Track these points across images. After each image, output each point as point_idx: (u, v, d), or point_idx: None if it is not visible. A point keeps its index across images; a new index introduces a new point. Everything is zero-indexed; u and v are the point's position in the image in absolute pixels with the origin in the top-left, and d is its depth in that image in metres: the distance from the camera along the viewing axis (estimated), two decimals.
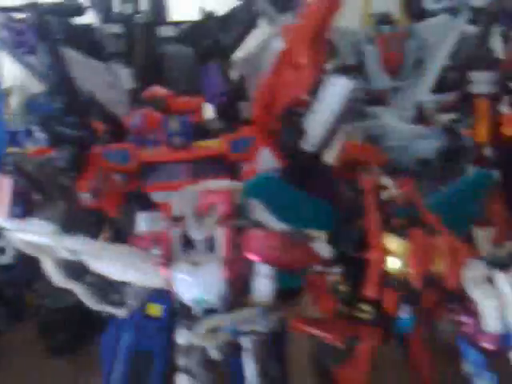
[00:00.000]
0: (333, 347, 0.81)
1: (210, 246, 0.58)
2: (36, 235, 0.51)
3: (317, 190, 0.69)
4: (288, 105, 0.67)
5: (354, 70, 1.04)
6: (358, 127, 0.86)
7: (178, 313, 0.65)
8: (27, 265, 0.85)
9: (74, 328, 0.98)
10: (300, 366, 0.87)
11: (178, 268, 0.57)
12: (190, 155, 0.73)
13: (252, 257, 0.56)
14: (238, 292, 0.58)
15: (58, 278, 0.57)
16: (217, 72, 0.98)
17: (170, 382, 0.75)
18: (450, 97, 0.93)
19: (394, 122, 0.89)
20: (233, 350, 0.60)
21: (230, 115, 0.88)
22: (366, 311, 0.68)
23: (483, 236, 0.89)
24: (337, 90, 0.65)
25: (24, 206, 0.61)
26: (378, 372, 0.77)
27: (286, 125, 0.67)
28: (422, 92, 0.94)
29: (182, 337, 0.61)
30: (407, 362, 0.73)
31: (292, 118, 0.67)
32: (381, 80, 1.04)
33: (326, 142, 0.68)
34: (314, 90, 0.66)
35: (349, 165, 0.74)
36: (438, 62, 0.99)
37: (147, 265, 0.53)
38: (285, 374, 0.76)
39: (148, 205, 0.72)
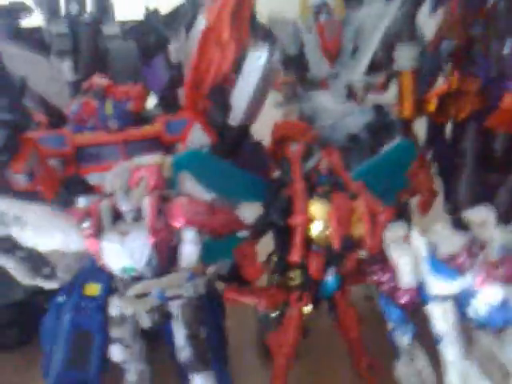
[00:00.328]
0: (269, 318, 0.86)
1: (138, 216, 0.61)
2: None
3: (246, 165, 0.73)
4: (215, 82, 0.70)
5: (296, 59, 1.08)
6: (292, 109, 0.90)
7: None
8: None
9: (21, 324, 0.99)
10: (240, 340, 0.91)
11: (107, 238, 0.60)
12: (125, 137, 0.75)
13: (176, 222, 0.59)
14: (164, 260, 0.61)
15: None
16: (161, 65, 1.01)
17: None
18: (379, 77, 0.97)
19: (326, 102, 0.93)
20: (163, 318, 0.63)
21: (170, 102, 0.91)
22: (294, 278, 0.72)
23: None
24: (255, 62, 0.68)
25: None
26: (311, 339, 0.81)
27: (214, 102, 0.70)
28: (355, 74, 0.98)
29: (113, 308, 0.64)
30: (337, 325, 0.76)
31: (219, 95, 0.70)
32: (320, 67, 1.07)
33: (250, 115, 0.71)
34: (238, 66, 0.69)
35: (280, 142, 0.77)
36: (371, 45, 1.04)
37: (72, 226, 0.55)
38: (224, 343, 0.80)
39: (86, 189, 0.74)
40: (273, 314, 0.78)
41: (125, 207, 0.61)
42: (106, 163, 0.70)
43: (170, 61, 1.03)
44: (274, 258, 0.75)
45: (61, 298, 0.75)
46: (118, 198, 0.61)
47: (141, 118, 0.83)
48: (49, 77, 0.86)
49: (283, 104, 1.00)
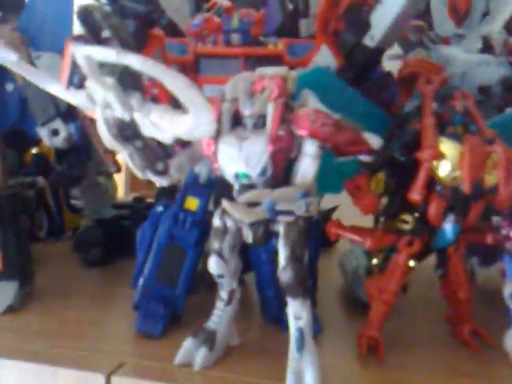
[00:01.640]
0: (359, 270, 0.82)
1: (259, 124, 0.58)
2: (99, 52, 0.51)
3: (371, 95, 0.68)
4: (353, 1, 0.66)
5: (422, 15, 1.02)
6: (420, 53, 0.85)
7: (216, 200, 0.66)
8: (80, 153, 0.88)
9: (105, 244, 1.02)
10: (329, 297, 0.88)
11: (225, 141, 0.58)
12: (246, 52, 0.73)
13: (302, 132, 0.56)
14: (279, 172, 0.58)
15: (107, 136, 0.58)
16: (277, 6, 0.98)
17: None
18: None
19: (457, 52, 0.87)
20: (265, 236, 0.60)
21: (289, 33, 0.88)
22: (407, 221, 0.67)
23: None
24: None
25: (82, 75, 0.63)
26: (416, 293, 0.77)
27: (349, 22, 0.66)
28: (494, 27, 0.91)
29: (217, 218, 0.62)
30: (444, 283, 0.71)
31: (356, 15, 0.66)
32: (445, 27, 1.01)
33: (390, 37, 0.67)
34: None
35: (409, 79, 0.72)
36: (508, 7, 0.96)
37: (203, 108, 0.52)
38: (315, 283, 0.77)
39: None
40: (374, 260, 0.74)
41: (248, 112, 0.58)
42: (225, 75, 0.67)
43: (286, 3, 1.00)
44: (384, 201, 0.70)
45: (160, 208, 0.75)
46: (241, 102, 0.58)
47: (257, 43, 0.81)
48: None
49: (405, 51, 0.95)
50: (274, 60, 0.73)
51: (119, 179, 1.35)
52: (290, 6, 0.99)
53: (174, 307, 0.73)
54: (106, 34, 0.63)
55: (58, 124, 0.78)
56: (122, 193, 1.60)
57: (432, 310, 0.82)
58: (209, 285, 0.81)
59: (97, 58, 0.50)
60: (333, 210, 1.05)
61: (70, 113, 0.78)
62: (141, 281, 0.75)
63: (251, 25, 0.76)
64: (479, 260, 0.91)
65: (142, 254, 0.76)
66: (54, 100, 0.76)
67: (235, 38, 0.75)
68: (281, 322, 0.74)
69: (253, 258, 0.74)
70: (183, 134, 0.53)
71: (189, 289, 0.75)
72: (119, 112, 0.55)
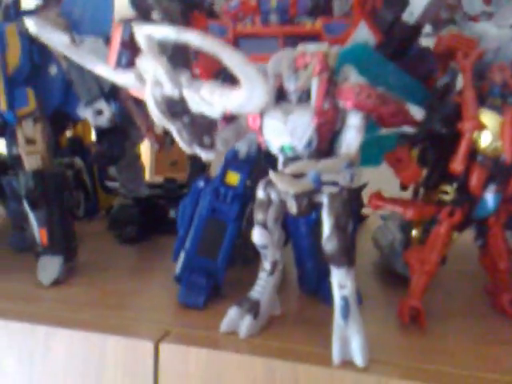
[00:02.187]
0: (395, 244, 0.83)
1: (304, 98, 0.60)
2: (160, 30, 0.52)
3: (411, 70, 0.69)
4: None
5: None
6: (452, 30, 0.85)
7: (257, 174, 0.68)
8: (119, 132, 0.90)
9: (141, 223, 1.05)
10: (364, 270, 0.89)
11: (270, 114, 0.59)
12: (285, 31, 0.74)
13: (348, 104, 0.57)
14: (324, 144, 0.60)
15: (157, 114, 0.60)
16: None
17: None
18: None
19: (489, 28, 0.87)
20: (309, 208, 0.61)
21: (323, 13, 0.88)
22: (447, 192, 0.68)
23: None
24: None
25: (130, 57, 0.65)
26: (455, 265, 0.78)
27: None
28: None
29: (261, 189, 0.63)
30: (484, 253, 0.72)
31: None
32: (473, 5, 1.01)
33: (430, 13, 0.67)
34: None
35: (445, 55, 0.72)
36: None
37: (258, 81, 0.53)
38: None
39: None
40: (414, 232, 0.75)
41: (292, 86, 0.59)
42: (265, 54, 0.68)
43: None
44: (424, 173, 0.71)
45: (201, 183, 0.77)
46: (286, 78, 0.60)
47: (294, 23, 0.81)
48: None
49: (436, 29, 0.95)
50: (312, 38, 0.74)
51: (145, 162, 1.38)
52: None
53: (215, 279, 0.75)
54: (155, 16, 0.64)
55: (101, 104, 0.80)
56: (147, 176, 1.63)
57: (470, 282, 0.84)
58: (245, 260, 0.84)
59: (157, 37, 0.52)
60: (363, 186, 1.07)
61: (112, 93, 0.80)
62: (182, 253, 0.77)
63: (289, 5, 0.77)
64: None
65: (182, 227, 0.78)
66: (98, 81, 0.79)
67: (274, 17, 0.75)
68: (320, 293, 0.76)
69: (292, 230, 0.76)
70: (235, 108, 0.54)
71: (229, 262, 0.77)
72: (169, 89, 0.57)
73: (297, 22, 0.82)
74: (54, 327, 0.67)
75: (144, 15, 0.65)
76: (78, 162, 1.10)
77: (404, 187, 0.74)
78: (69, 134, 1.19)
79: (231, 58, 0.50)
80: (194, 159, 1.16)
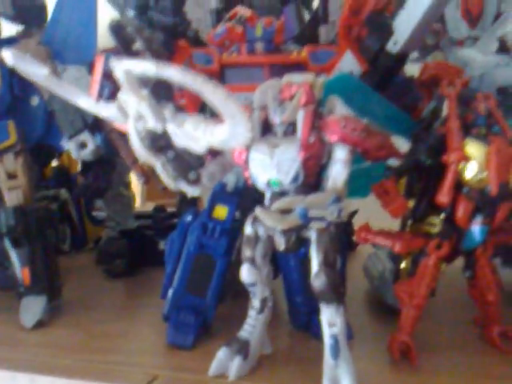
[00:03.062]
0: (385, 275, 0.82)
1: (289, 131, 0.59)
2: (139, 65, 0.52)
3: (395, 99, 0.69)
4: (376, 7, 0.67)
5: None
6: (437, 56, 0.85)
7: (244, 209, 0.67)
8: (105, 164, 0.89)
9: (130, 254, 1.03)
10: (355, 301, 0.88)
11: (257, 148, 0.58)
12: (271, 60, 0.74)
13: (333, 137, 0.56)
14: (310, 178, 0.59)
15: (141, 149, 0.59)
16: (292, 14, 0.99)
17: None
18: None
19: (474, 54, 0.88)
20: (297, 243, 0.60)
21: (309, 40, 0.88)
22: (434, 224, 0.67)
23: None
24: None
25: (113, 88, 0.64)
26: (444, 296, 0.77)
27: (372, 28, 0.67)
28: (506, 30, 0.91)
29: (249, 226, 0.62)
30: (472, 285, 0.71)
31: (379, 21, 0.67)
32: (459, 29, 1.02)
33: (413, 42, 0.67)
34: None
35: (430, 83, 0.72)
36: None
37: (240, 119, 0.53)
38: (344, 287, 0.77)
39: None
40: (403, 264, 0.74)
41: (278, 119, 0.59)
42: (250, 84, 0.68)
43: (301, 11, 1.00)
44: (411, 204, 0.70)
45: (189, 217, 0.75)
46: (271, 110, 0.59)
47: (279, 51, 0.81)
48: (194, 2, 0.86)
49: (422, 55, 0.96)
50: (298, 67, 0.74)
51: (135, 189, 1.37)
52: (306, 14, 1.00)
53: (204, 317, 0.74)
54: (137, 46, 0.64)
55: (85, 136, 0.79)
56: (138, 203, 1.61)
57: (461, 313, 0.82)
58: (235, 294, 0.82)
59: (136, 72, 0.51)
60: (353, 213, 1.06)
61: (96, 125, 0.79)
62: (170, 291, 0.75)
63: (274, 33, 0.77)
64: (502, 261, 0.91)
65: (171, 263, 0.77)
66: (80, 113, 0.77)
67: (259, 46, 0.75)
68: (310, 328, 0.75)
69: (281, 264, 0.75)
70: (219, 144, 0.53)
71: (218, 298, 0.75)
72: (152, 123, 0.56)
73: (284, 49, 0.82)
74: (36, 374, 0.65)
75: (125, 46, 0.64)
76: (64, 193, 1.08)
77: None
78: (54, 163, 1.18)
79: (213, 95, 0.50)
80: None
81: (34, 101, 0.82)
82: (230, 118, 0.50)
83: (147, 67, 0.50)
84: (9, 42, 0.82)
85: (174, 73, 0.49)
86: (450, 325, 0.80)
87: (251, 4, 0.91)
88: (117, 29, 0.63)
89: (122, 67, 0.51)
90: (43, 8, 0.86)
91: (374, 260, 0.91)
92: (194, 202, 1.13)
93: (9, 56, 0.57)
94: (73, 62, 0.79)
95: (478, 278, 0.69)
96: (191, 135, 0.54)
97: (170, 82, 0.51)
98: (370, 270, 0.91)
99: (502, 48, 0.89)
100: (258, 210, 0.58)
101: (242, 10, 0.84)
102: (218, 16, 0.89)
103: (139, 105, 0.55)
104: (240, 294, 0.80)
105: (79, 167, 1.12)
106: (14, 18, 0.84)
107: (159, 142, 0.58)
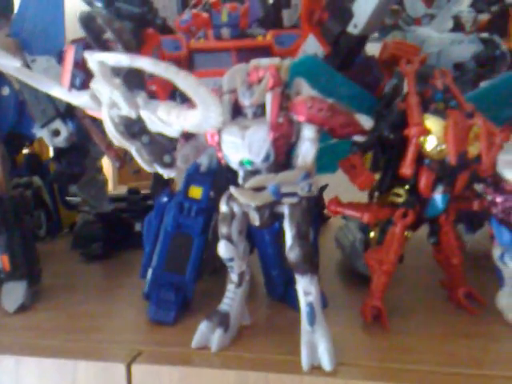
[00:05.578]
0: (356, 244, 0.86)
1: (258, 113, 0.61)
2: (113, 57, 0.53)
3: (357, 79, 0.72)
4: None
5: None
6: (396, 35, 0.89)
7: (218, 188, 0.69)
8: (78, 150, 0.90)
9: (106, 237, 1.05)
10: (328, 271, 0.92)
11: (228, 131, 0.61)
12: (237, 44, 0.76)
13: (300, 118, 0.59)
14: (281, 157, 0.62)
15: (115, 135, 0.61)
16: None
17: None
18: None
19: (430, 32, 0.91)
20: (271, 218, 0.63)
21: (273, 23, 0.90)
22: (399, 195, 0.71)
23: None
24: None
25: (84, 77, 0.66)
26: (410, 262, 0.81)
27: (333, 12, 0.70)
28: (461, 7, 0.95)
29: (224, 204, 0.65)
30: (437, 250, 0.75)
31: (339, 5, 0.70)
32: (416, 8, 1.05)
33: (373, 24, 0.70)
34: None
35: (389, 61, 0.76)
36: None
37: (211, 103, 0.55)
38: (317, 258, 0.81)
39: None
40: (372, 234, 0.78)
41: (247, 102, 0.61)
42: (219, 69, 0.70)
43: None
44: (377, 177, 0.74)
45: (165, 198, 0.78)
46: (240, 93, 0.62)
47: (245, 35, 0.83)
48: None
49: (382, 34, 0.99)
50: (263, 51, 0.76)
51: (107, 173, 1.38)
52: None
53: (184, 294, 0.76)
54: (106, 36, 0.65)
55: (58, 124, 0.80)
56: (110, 186, 1.62)
57: (427, 278, 0.87)
58: (213, 270, 0.85)
59: (110, 63, 0.53)
60: (323, 188, 1.10)
61: (68, 112, 0.80)
62: (149, 270, 0.78)
63: (239, 18, 0.78)
64: (465, 227, 0.96)
65: (149, 243, 0.79)
66: (52, 101, 0.79)
67: (225, 31, 0.77)
68: (286, 299, 0.78)
69: (256, 240, 0.78)
70: (192, 128, 0.56)
71: (197, 275, 0.78)
72: (126, 110, 0.58)
73: (249, 33, 0.84)
74: (23, 356, 0.66)
75: (95, 37, 0.65)
76: (37, 180, 1.09)
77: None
78: (25, 151, 1.18)
79: (185, 82, 0.52)
80: None
81: (5, 91, 0.83)
82: (202, 103, 0.52)
83: (121, 59, 0.52)
84: None
85: (146, 63, 0.51)
86: (417, 289, 0.85)
87: None
88: (87, 20, 0.64)
89: (96, 59, 0.53)
90: (11, 0, 0.86)
91: (344, 231, 0.95)
92: (167, 183, 1.16)
93: None
94: (41, 52, 0.80)
95: (442, 243, 0.73)
96: (165, 121, 0.56)
97: (143, 71, 0.53)
98: (341, 240, 0.95)
99: (457, 26, 0.93)
100: (232, 189, 0.61)
101: None
102: (183, 2, 0.90)
103: (112, 93, 0.57)
104: (217, 270, 0.83)
105: (51, 154, 1.13)
106: None
107: (133, 128, 0.60)
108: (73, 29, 0.85)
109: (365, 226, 0.88)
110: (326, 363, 0.60)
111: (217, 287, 0.73)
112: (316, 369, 0.60)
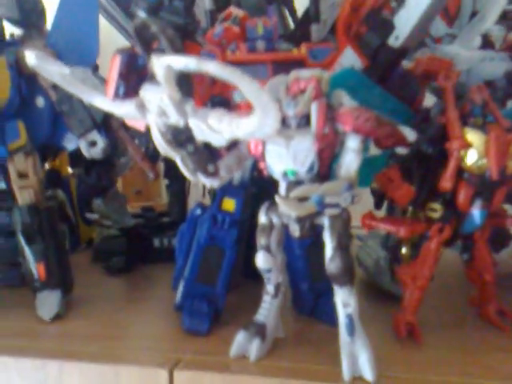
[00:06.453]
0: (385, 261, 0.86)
1: (302, 123, 0.62)
2: (180, 61, 0.54)
3: (395, 92, 0.73)
4: (375, 5, 0.71)
5: None
6: (425, 51, 0.90)
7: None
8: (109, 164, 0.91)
9: (127, 252, 1.05)
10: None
11: (272, 141, 0.61)
12: (273, 57, 0.76)
13: (347, 127, 0.60)
14: (325, 168, 0.62)
15: (162, 143, 0.61)
16: (276, 13, 1.02)
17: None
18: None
19: (459, 50, 0.92)
20: (311, 230, 0.63)
21: (300, 38, 0.92)
22: (435, 209, 0.71)
23: None
24: None
25: (128, 87, 0.67)
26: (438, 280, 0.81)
27: (371, 25, 0.71)
28: (486, 25, 0.96)
29: (263, 215, 0.65)
30: (470, 267, 0.75)
31: (377, 19, 0.71)
32: (437, 27, 1.07)
33: (415, 37, 0.71)
34: None
35: (423, 76, 0.77)
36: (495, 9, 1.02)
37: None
38: None
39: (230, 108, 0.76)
40: (404, 249, 0.78)
41: (291, 112, 0.61)
42: (256, 80, 0.70)
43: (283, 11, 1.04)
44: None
45: (198, 210, 0.78)
46: (284, 104, 0.62)
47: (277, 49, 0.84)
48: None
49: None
50: (297, 64, 0.77)
51: None
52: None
53: (216, 305, 0.76)
54: (161, 45, 0.66)
55: (94, 135, 0.81)
56: None
57: (455, 296, 0.87)
58: (234, 286, 0.84)
59: (177, 67, 0.54)
60: None
61: (104, 124, 0.81)
62: (181, 282, 0.78)
63: (273, 31, 0.80)
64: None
65: (181, 255, 0.79)
66: (89, 112, 0.79)
67: (260, 44, 0.78)
68: (316, 313, 0.78)
69: (287, 254, 0.78)
70: (244, 135, 0.56)
71: (229, 286, 0.78)
72: (174, 118, 0.59)
73: (277, 47, 0.85)
74: (65, 361, 0.66)
75: (146, 44, 0.66)
76: (61, 194, 1.09)
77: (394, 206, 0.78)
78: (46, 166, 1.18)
79: (248, 87, 0.53)
80: (172, 188, 1.17)
81: (40, 102, 0.83)
82: (262, 109, 0.53)
83: (188, 62, 0.52)
84: (13, 44, 0.83)
85: (213, 67, 0.52)
86: (446, 306, 0.84)
87: (239, 4, 0.94)
88: (140, 28, 0.65)
89: (164, 62, 0.54)
90: (43, 12, 0.87)
91: (366, 250, 0.94)
92: (183, 202, 1.16)
93: (32, 57, 0.59)
94: (77, 63, 0.81)
95: (475, 259, 0.74)
96: (215, 129, 0.57)
97: (208, 75, 0.53)
98: (363, 259, 0.94)
99: (486, 43, 0.94)
100: (277, 198, 0.61)
101: (235, 11, 0.87)
102: (212, 17, 0.91)
103: (163, 101, 0.57)
104: (238, 286, 0.83)
105: (69, 170, 1.14)
106: (20, 22, 0.85)
107: (180, 137, 0.60)
108: (103, 41, 0.87)
109: (386, 243, 0.89)
110: (368, 373, 0.60)
111: (242, 301, 0.76)
112: (357, 379, 0.60)
